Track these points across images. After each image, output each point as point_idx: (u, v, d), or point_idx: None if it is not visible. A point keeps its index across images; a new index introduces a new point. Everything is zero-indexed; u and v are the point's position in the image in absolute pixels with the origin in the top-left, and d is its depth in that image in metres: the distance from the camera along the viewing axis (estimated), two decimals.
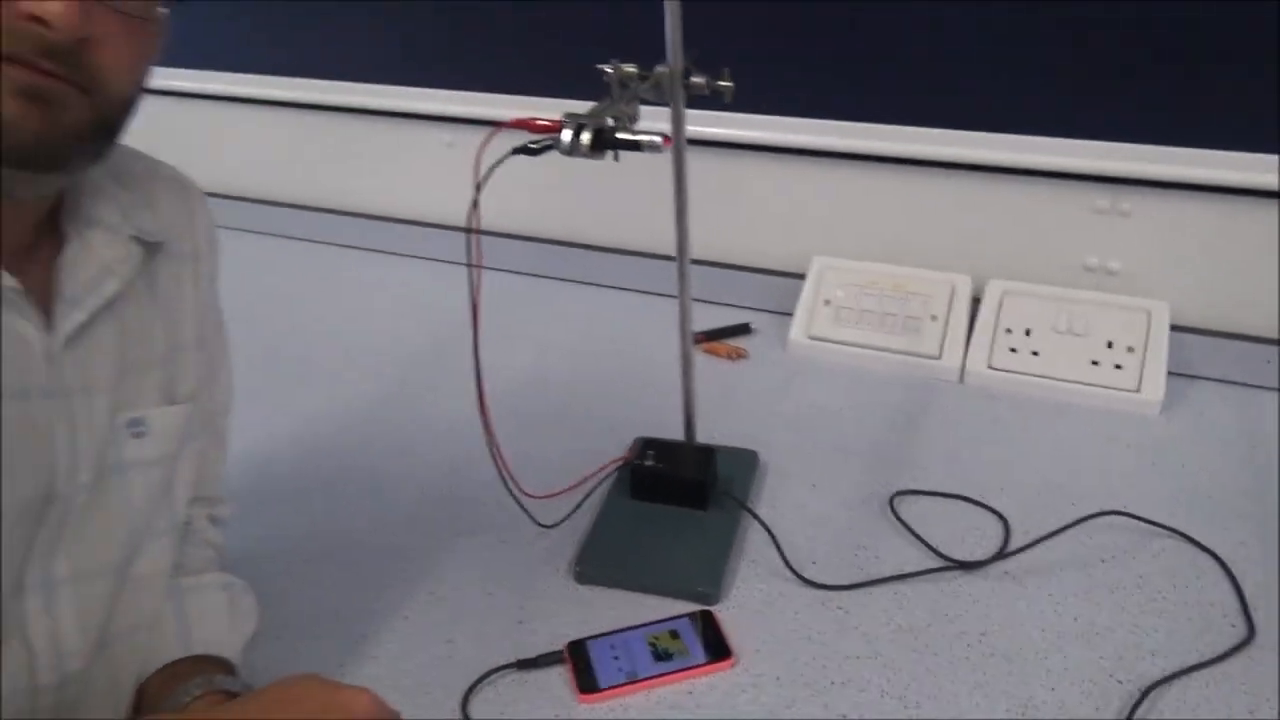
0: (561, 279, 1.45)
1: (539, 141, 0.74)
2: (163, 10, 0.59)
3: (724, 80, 0.82)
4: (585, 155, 0.72)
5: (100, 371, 0.66)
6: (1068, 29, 1.09)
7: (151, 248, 0.69)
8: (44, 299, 0.62)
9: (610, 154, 0.74)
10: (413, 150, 1.50)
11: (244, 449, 0.90)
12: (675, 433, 0.99)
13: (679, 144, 0.85)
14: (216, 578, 0.80)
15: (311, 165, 1.59)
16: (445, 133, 1.46)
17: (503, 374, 0.97)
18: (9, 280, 0.58)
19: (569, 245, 1.44)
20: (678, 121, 0.84)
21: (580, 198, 1.41)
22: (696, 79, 0.82)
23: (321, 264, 1.55)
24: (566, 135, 0.71)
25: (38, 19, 0.52)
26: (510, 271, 1.47)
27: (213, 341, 0.79)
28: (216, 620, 0.78)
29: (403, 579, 0.91)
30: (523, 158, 0.74)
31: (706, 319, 1.29)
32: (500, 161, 0.75)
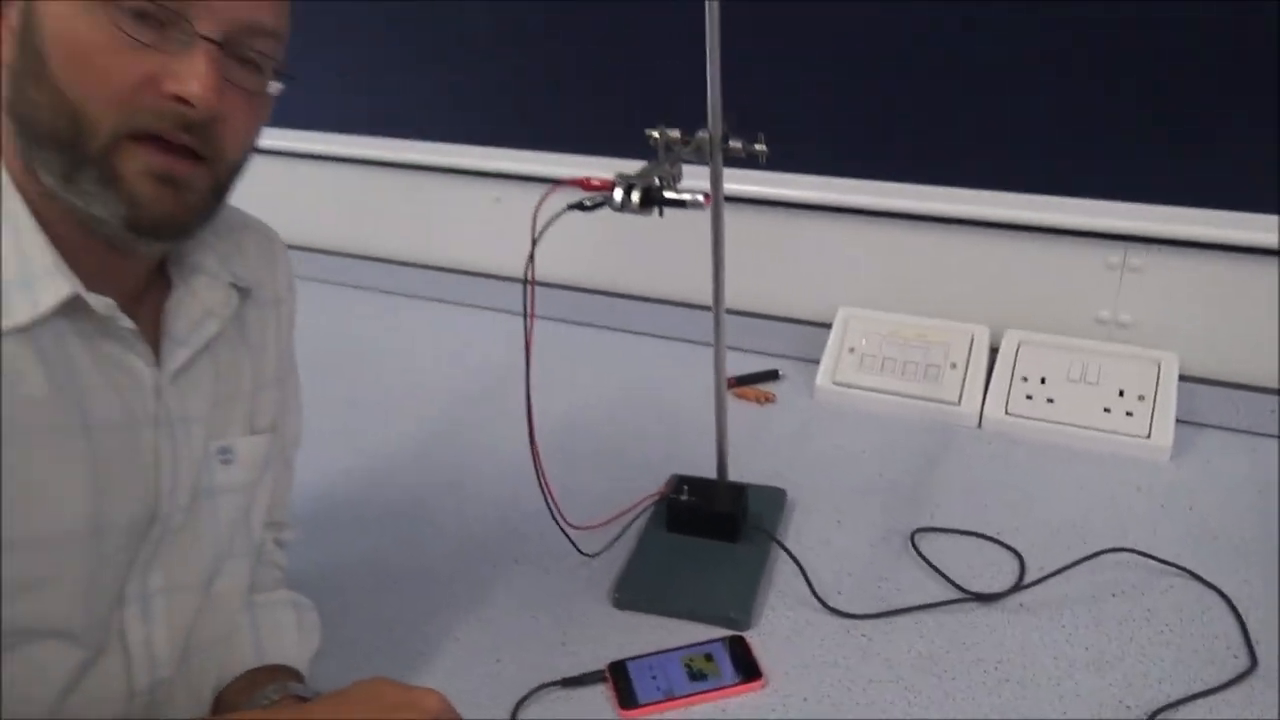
0: (599, 326, 1.53)
1: (593, 199, 0.82)
2: (276, 85, 0.67)
3: (759, 144, 0.90)
4: (634, 212, 0.80)
5: (197, 403, 0.73)
6: (1081, 97, 1.16)
7: (243, 293, 0.77)
8: (152, 337, 0.69)
9: (655, 210, 0.82)
10: (462, 204, 1.59)
11: (307, 480, 0.97)
12: (707, 471, 1.06)
13: (717, 203, 0.93)
14: (286, 595, 0.87)
15: (365, 217, 1.68)
16: (493, 188, 1.55)
17: (546, 415, 1.03)
18: (126, 322, 0.66)
19: (606, 294, 1.52)
20: (716, 182, 0.92)
21: (617, 251, 1.49)
22: (734, 143, 0.90)
23: (375, 310, 1.64)
24: (618, 194, 0.79)
25: (181, 99, 0.59)
26: (551, 319, 1.55)
27: (288, 379, 0.87)
28: (287, 634, 0.84)
29: (453, 604, 0.97)
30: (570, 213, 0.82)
31: (737, 365, 1.36)
32: (557, 216, 0.82)
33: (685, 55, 1.33)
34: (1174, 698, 0.82)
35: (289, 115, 1.63)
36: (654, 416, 1.29)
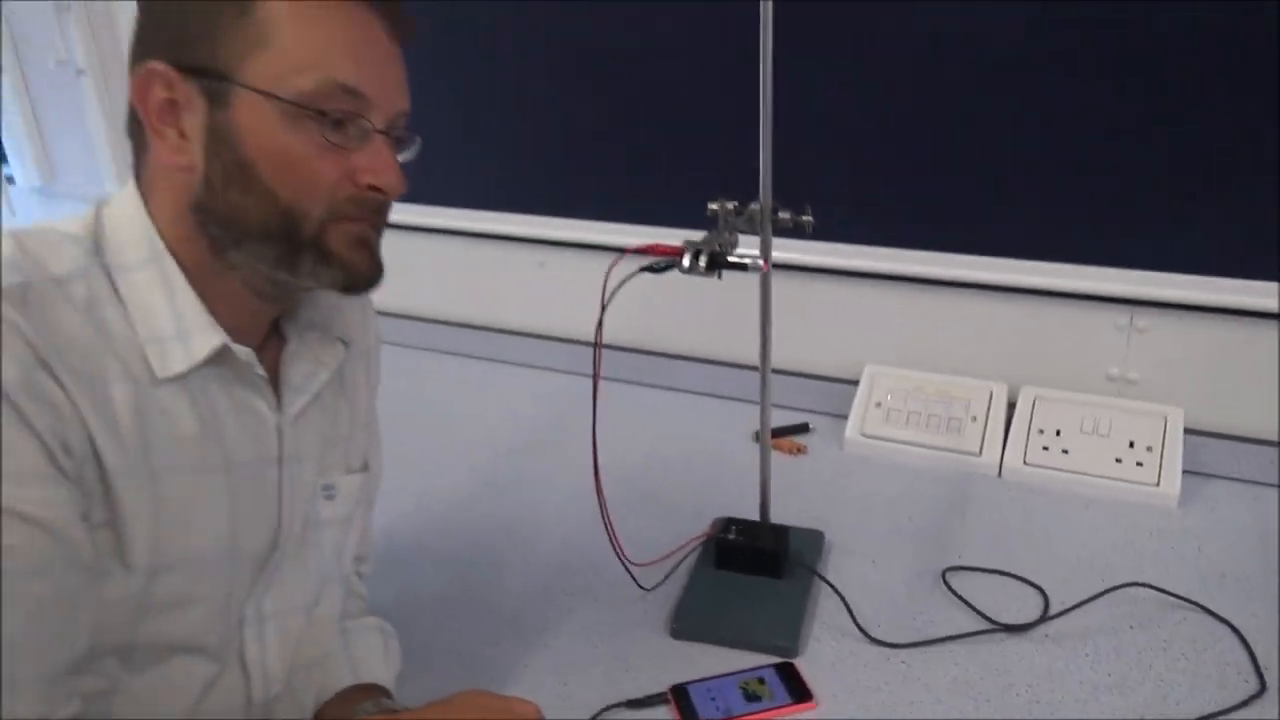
0: (636, 383, 1.62)
1: (660, 263, 0.92)
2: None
3: (806, 215, 1.00)
4: (699, 274, 0.90)
5: (309, 444, 0.82)
6: (1091, 171, 1.28)
7: (345, 345, 0.86)
8: (272, 384, 0.79)
9: (717, 273, 0.92)
10: (509, 268, 1.70)
11: (384, 522, 1.06)
12: (747, 515, 1.15)
13: (766, 278, 1.03)
14: (373, 621, 0.95)
15: (415, 280, 1.79)
16: (539, 254, 1.66)
17: (611, 467, 1.12)
18: (260, 369, 0.75)
19: (646, 353, 1.62)
20: (766, 249, 1.02)
21: (657, 313, 1.59)
22: (784, 214, 1.00)
23: (425, 367, 1.73)
24: (687, 259, 0.89)
25: (375, 188, 0.70)
26: (608, 379, 1.65)
27: (373, 424, 0.96)
28: (376, 656, 0.92)
29: (518, 634, 1.05)
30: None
31: (774, 419, 1.45)
32: (628, 279, 0.92)
33: (704, 131, 1.46)
34: (1190, 716, 0.90)
35: None
36: (693, 466, 1.38)
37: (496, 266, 1.72)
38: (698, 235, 0.93)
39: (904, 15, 1.29)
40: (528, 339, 1.72)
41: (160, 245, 0.71)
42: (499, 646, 1.03)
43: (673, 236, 0.92)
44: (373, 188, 0.70)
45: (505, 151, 1.64)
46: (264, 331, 0.79)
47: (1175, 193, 1.25)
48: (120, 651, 0.70)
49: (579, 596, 1.11)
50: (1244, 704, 0.92)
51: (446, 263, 1.75)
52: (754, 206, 1.00)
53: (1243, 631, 1.01)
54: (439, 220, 1.71)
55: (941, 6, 1.26)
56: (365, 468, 0.91)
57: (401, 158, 0.74)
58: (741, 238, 0.97)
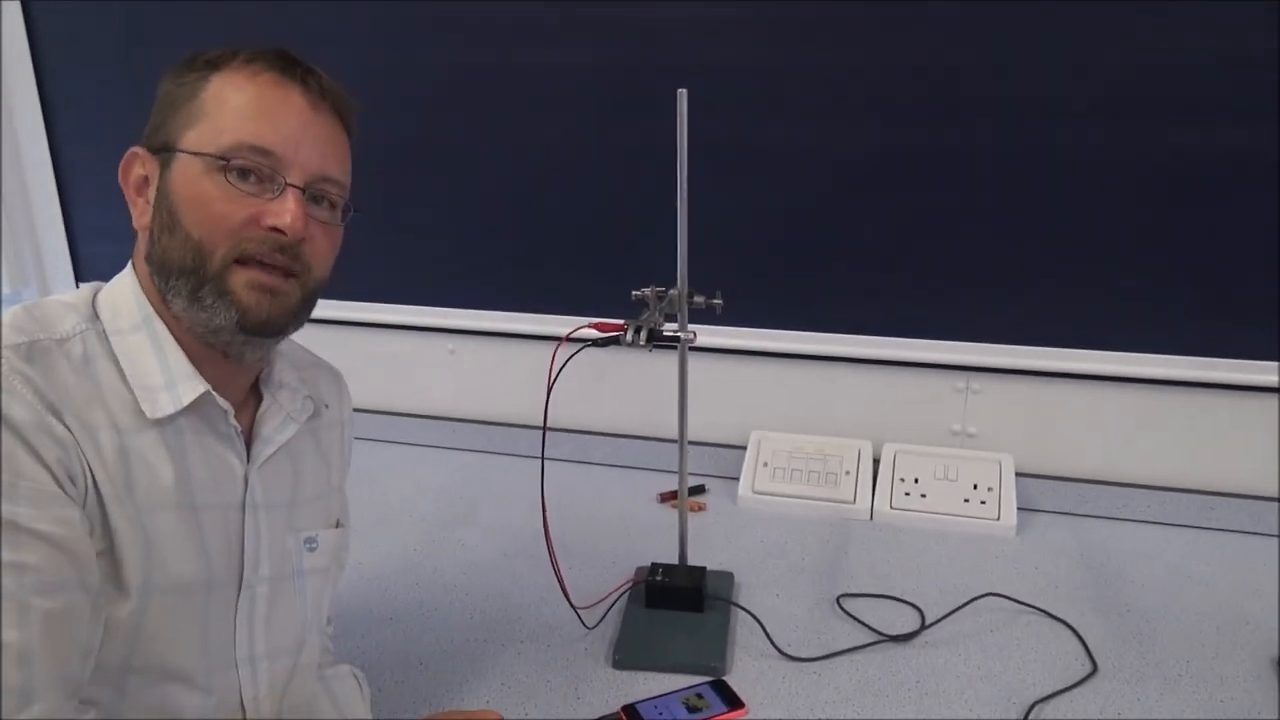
0: (552, 458, 1.77)
1: (605, 338, 1.10)
2: (344, 218, 0.88)
3: (716, 299, 1.20)
4: (639, 348, 1.08)
5: (277, 494, 0.90)
6: (929, 264, 1.54)
7: (317, 408, 0.96)
8: (245, 440, 0.87)
9: (650, 347, 1.11)
10: (419, 356, 1.84)
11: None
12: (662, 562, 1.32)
13: (683, 347, 1.22)
14: (346, 668, 1.05)
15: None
16: (448, 342, 1.81)
17: (524, 529, 1.26)
18: (234, 422, 0.85)
19: (557, 430, 1.78)
20: (683, 328, 1.21)
21: (566, 394, 1.76)
22: (698, 298, 1.20)
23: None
24: (630, 334, 1.07)
25: (277, 229, 0.80)
26: (501, 454, 1.79)
27: (344, 490, 1.06)
28: (355, 697, 1.03)
29: (475, 675, 1.17)
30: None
31: (668, 482, 1.64)
32: (575, 354, 1.10)
33: (594, 235, 1.65)
34: (1044, 694, 1.12)
35: None
36: (607, 526, 1.54)
37: (404, 355, 1.85)
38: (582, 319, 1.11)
39: (765, 139, 1.54)
40: (435, 421, 1.85)
41: (150, 309, 0.81)
42: (457, 689, 1.14)
43: (565, 324, 1.11)
44: (273, 228, 0.79)
45: (410, 246, 1.79)
46: (242, 395, 0.89)
47: (999, 279, 1.53)
48: (114, 680, 0.77)
49: (526, 641, 1.24)
50: (1083, 681, 1.14)
51: (359, 352, 1.87)
52: (673, 292, 1.20)
53: (1076, 627, 1.24)
54: (352, 313, 1.83)
55: (801, 130, 1.52)
56: (339, 525, 1.01)
57: (325, 216, 0.84)
58: None
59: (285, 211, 0.80)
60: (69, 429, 0.73)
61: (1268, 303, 1.42)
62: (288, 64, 0.82)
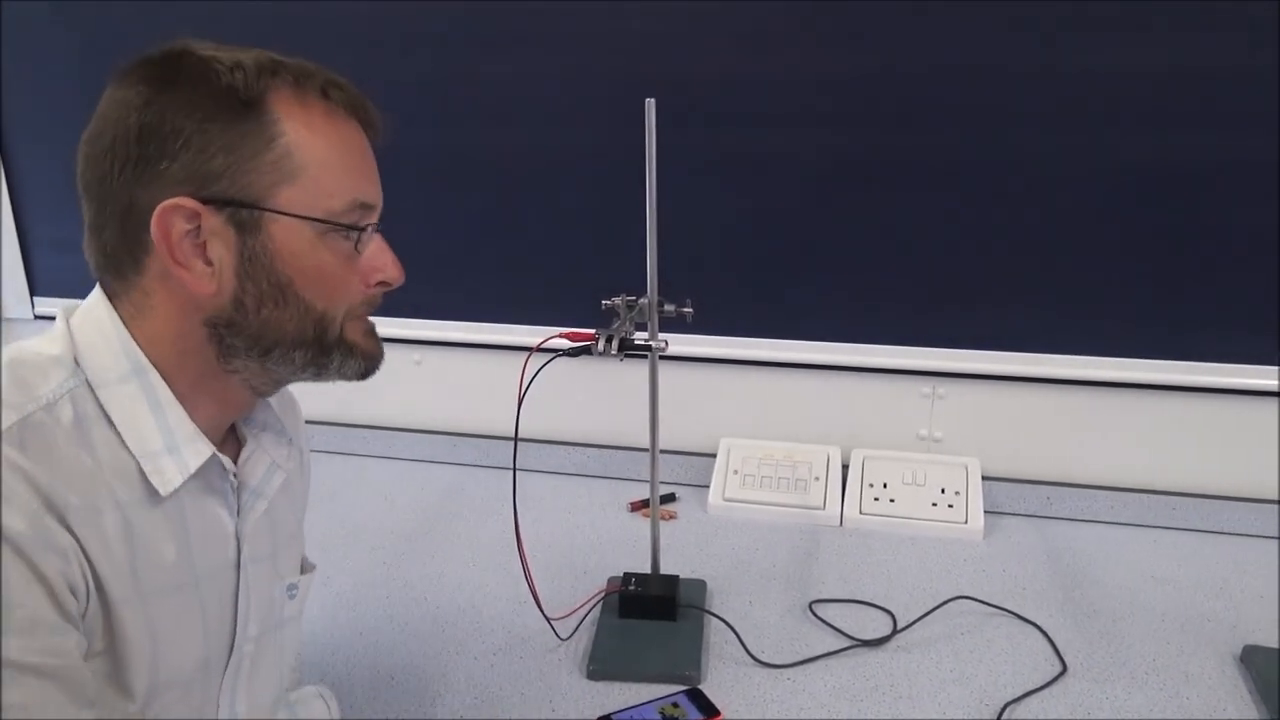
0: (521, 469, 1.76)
1: (577, 348, 1.10)
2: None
3: (686, 308, 1.21)
4: (611, 357, 1.08)
5: (262, 545, 0.84)
6: (895, 271, 1.56)
7: (292, 446, 0.89)
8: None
9: (621, 356, 1.10)
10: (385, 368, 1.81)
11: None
12: (637, 571, 1.32)
13: (654, 356, 1.22)
14: (311, 689, 1.02)
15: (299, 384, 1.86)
16: (415, 353, 1.79)
17: (498, 541, 1.26)
18: (233, 476, 0.79)
19: (526, 441, 1.76)
20: (654, 337, 1.21)
21: (535, 405, 1.75)
22: (668, 307, 1.20)
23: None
24: (601, 344, 1.07)
25: (385, 283, 0.79)
26: (471, 465, 1.78)
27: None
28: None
29: (451, 688, 1.16)
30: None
31: (639, 491, 1.64)
32: (546, 364, 1.09)
33: (558, 245, 1.65)
34: (1015, 695, 1.13)
35: None
36: (578, 536, 1.53)
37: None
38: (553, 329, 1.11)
39: (733, 147, 1.54)
40: (401, 433, 1.84)
41: (143, 360, 0.73)
42: (434, 704, 1.13)
43: (535, 334, 1.11)
44: (380, 283, 0.79)
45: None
46: (223, 435, 0.81)
47: (963, 285, 1.54)
48: None
49: (499, 654, 1.23)
50: (1053, 681, 1.16)
51: None
52: (643, 301, 1.20)
53: (1044, 628, 1.26)
54: None
55: (769, 138, 1.53)
56: (310, 567, 0.95)
57: None
58: None
59: (390, 264, 0.79)
60: (70, 528, 0.66)
61: (1225, 307, 1.45)
62: (347, 95, 0.76)
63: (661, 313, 1.21)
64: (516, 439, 1.15)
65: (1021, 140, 1.44)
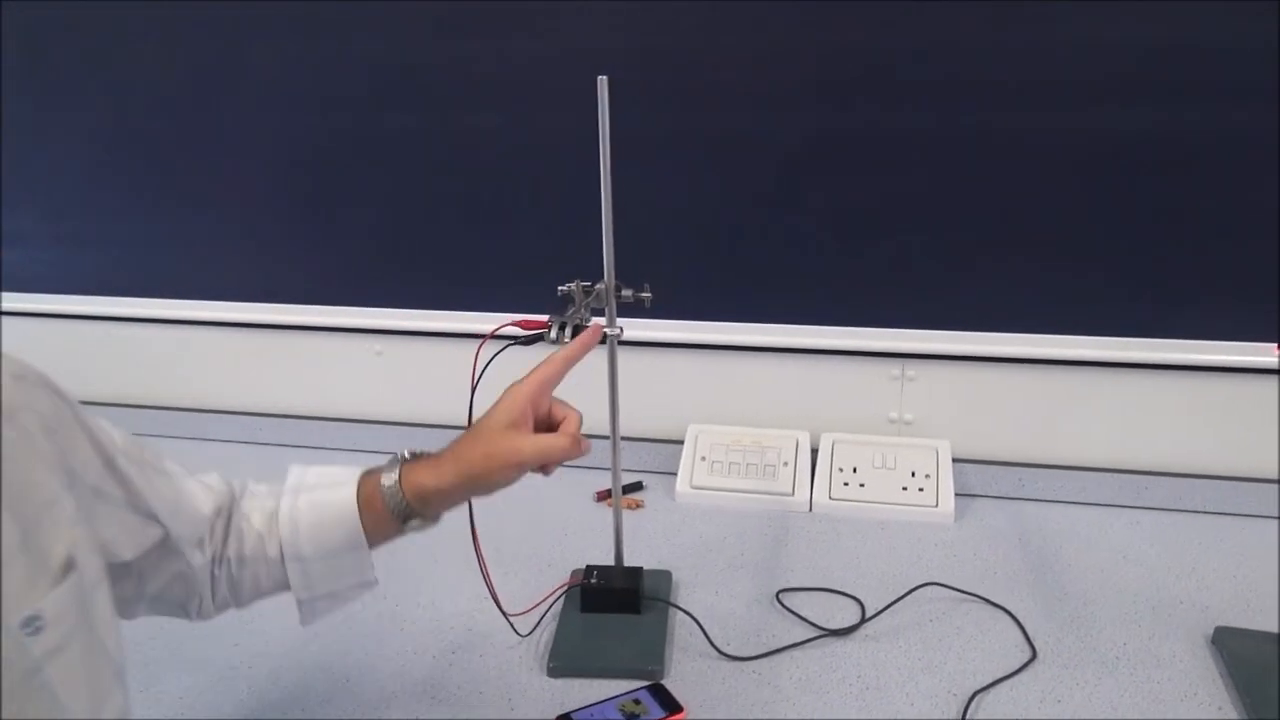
0: None
1: (529, 335, 1.06)
2: None
3: (644, 293, 1.17)
4: (566, 344, 1.04)
5: None
6: (862, 252, 1.53)
7: None
8: None
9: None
10: (346, 358, 1.78)
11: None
12: (601, 563, 1.28)
13: (612, 342, 1.18)
14: (263, 489, 0.98)
15: (260, 376, 1.82)
16: (376, 343, 1.75)
17: (455, 535, 1.20)
18: None
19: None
20: (611, 323, 1.18)
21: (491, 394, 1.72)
22: (626, 291, 1.17)
23: (266, 462, 1.76)
24: (554, 331, 1.04)
25: None
26: None
27: (65, 493, 0.69)
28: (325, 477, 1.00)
29: (408, 688, 1.13)
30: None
31: (608, 480, 1.60)
32: (499, 352, 1.05)
33: (517, 229, 1.62)
34: (984, 683, 1.10)
35: (172, 285, 1.78)
36: (541, 527, 1.49)
37: (332, 357, 1.79)
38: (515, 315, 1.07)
39: (692, 126, 1.51)
40: (359, 425, 1.80)
41: None
42: (389, 705, 1.10)
43: (493, 321, 1.07)
44: None
45: (334, 246, 1.73)
46: None
47: (931, 265, 1.52)
48: None
49: (458, 652, 1.19)
50: (1023, 668, 1.13)
51: (282, 356, 1.81)
52: (600, 286, 1.16)
53: (1015, 614, 1.24)
54: (274, 316, 1.77)
55: (731, 117, 1.49)
56: (72, 564, 0.67)
57: None
58: None
59: None
60: None
61: (1193, 284, 1.43)
62: None
63: (619, 298, 1.17)
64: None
65: (993, 114, 1.41)
